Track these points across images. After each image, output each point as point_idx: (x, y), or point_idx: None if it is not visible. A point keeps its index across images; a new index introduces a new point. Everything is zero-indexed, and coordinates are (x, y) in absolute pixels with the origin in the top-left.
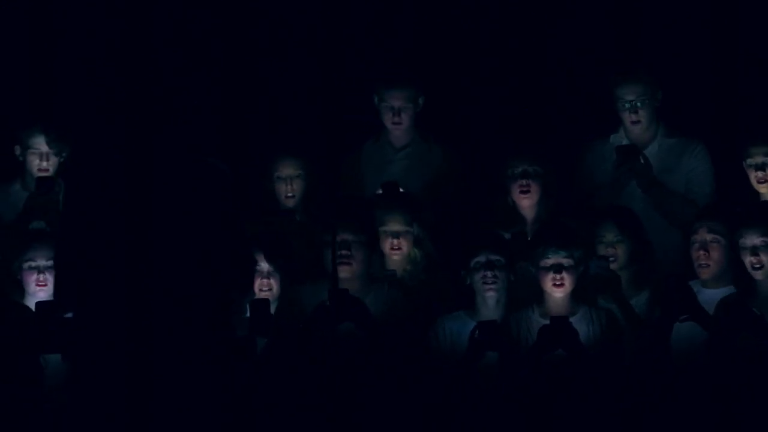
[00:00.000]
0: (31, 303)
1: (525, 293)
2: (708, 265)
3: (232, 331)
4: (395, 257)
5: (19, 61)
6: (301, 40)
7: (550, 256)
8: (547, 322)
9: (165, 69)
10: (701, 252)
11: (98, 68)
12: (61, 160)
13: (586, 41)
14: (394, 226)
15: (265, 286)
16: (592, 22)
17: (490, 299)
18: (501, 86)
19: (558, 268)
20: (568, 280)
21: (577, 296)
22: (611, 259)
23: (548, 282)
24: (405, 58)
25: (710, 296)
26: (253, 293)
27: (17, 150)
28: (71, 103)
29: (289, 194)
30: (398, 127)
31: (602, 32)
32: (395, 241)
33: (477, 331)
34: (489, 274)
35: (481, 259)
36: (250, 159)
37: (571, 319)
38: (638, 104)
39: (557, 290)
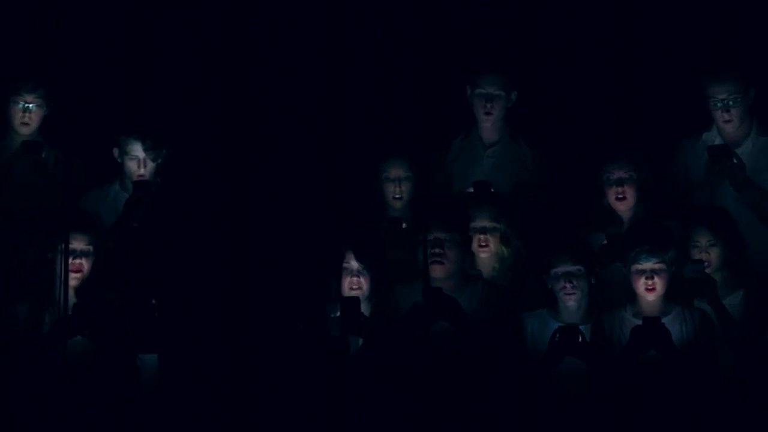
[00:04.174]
0: None
1: (618, 293)
2: None
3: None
4: (483, 255)
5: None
6: (302, 40)
7: (642, 262)
8: (640, 322)
9: (165, 68)
10: None
11: (99, 68)
12: (159, 162)
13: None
14: (482, 222)
15: (355, 285)
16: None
17: (571, 307)
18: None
19: (650, 274)
20: (659, 284)
21: (670, 296)
22: (705, 264)
23: (641, 286)
24: (406, 58)
25: None
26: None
27: (115, 152)
28: (71, 104)
29: (397, 195)
30: (489, 117)
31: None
32: (482, 237)
33: (557, 335)
34: (568, 285)
35: (560, 270)
36: (355, 160)
37: (664, 320)
38: (730, 103)
39: (649, 294)
